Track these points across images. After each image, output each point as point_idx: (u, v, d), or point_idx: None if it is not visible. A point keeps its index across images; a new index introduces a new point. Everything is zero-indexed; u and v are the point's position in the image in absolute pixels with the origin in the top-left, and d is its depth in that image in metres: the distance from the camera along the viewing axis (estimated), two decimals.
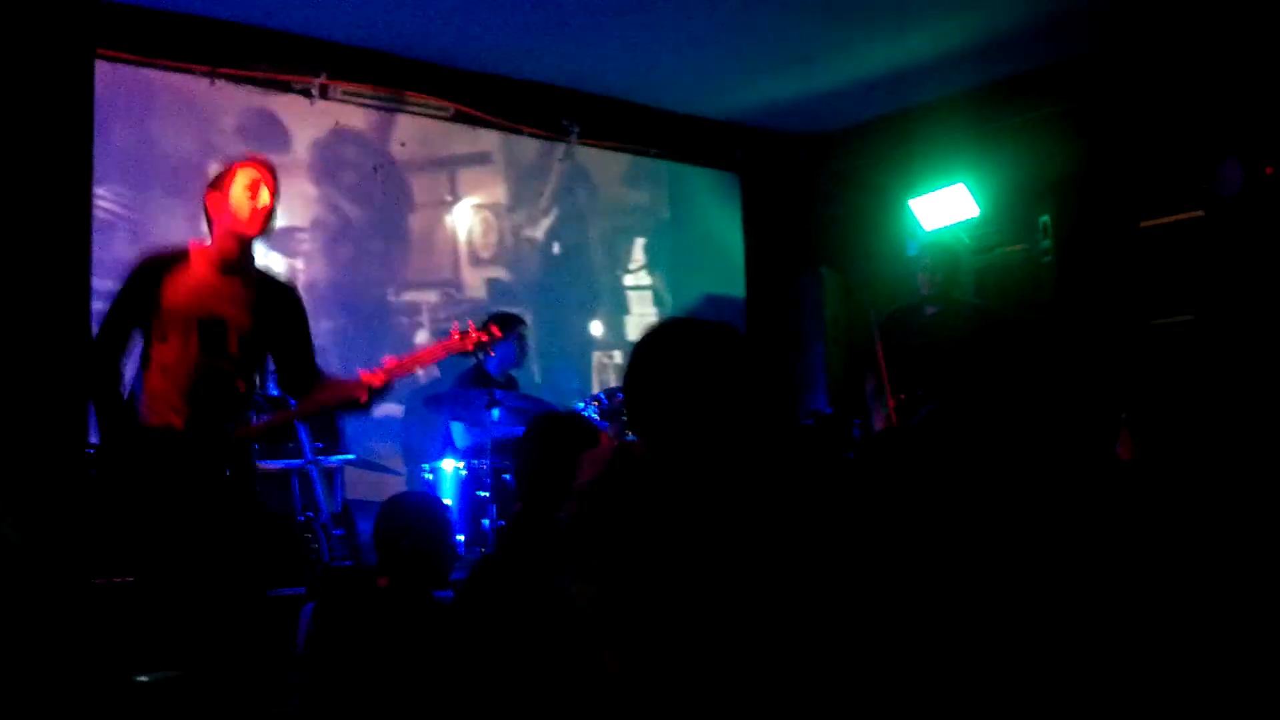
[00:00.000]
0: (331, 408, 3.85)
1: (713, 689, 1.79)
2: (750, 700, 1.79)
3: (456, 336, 4.03)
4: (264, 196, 3.76)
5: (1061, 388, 1.95)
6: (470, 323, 4.11)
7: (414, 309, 6.94)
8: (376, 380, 3.72)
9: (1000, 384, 2.01)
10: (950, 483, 1.96)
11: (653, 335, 2.07)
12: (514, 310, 6.80)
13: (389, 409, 6.72)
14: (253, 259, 3.83)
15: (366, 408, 3.76)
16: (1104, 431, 2.00)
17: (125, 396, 3.71)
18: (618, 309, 7.87)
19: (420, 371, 3.90)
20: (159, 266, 3.71)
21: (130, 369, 3.75)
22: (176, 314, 3.65)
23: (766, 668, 1.79)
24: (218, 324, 3.68)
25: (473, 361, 6.52)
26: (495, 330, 4.14)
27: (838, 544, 1.87)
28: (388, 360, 3.79)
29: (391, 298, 6.86)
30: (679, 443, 1.93)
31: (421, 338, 6.94)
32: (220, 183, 3.77)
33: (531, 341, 6.87)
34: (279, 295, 3.90)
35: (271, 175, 3.81)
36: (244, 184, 3.72)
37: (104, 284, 4.07)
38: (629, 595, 1.88)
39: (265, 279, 3.90)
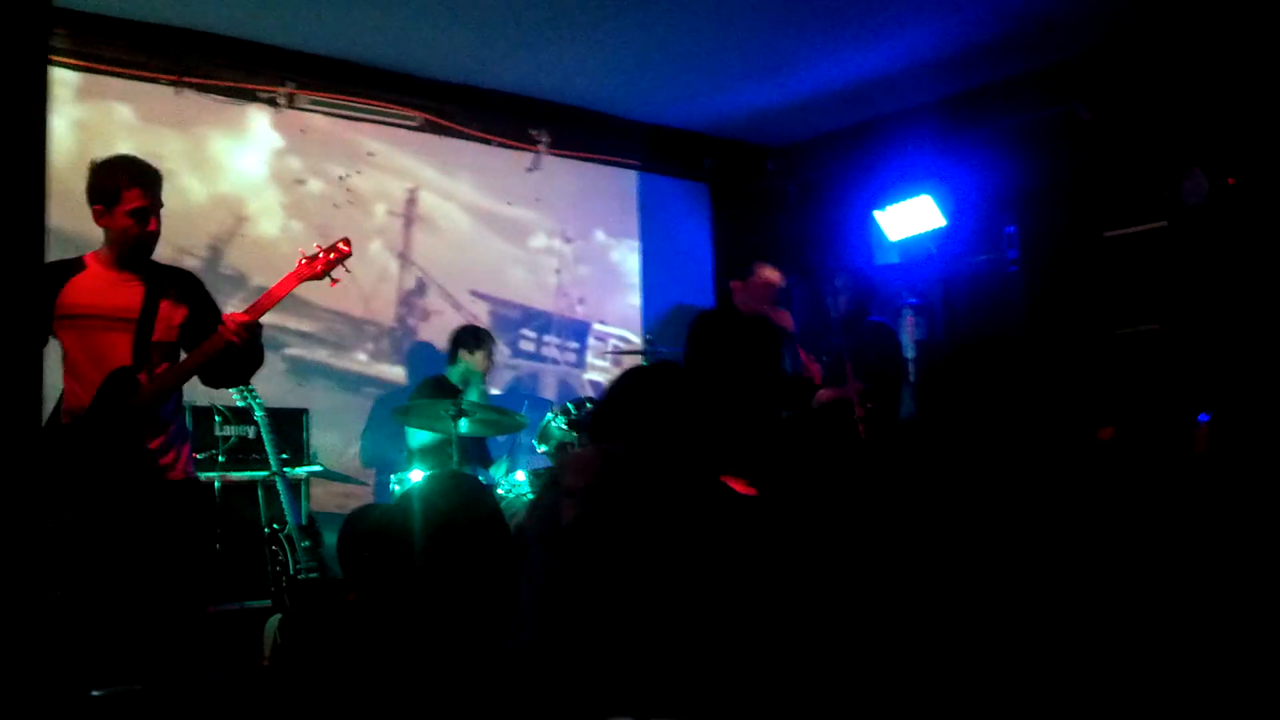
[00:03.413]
0: (211, 356, 3.84)
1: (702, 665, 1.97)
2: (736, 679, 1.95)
3: (304, 261, 4.05)
4: (152, 223, 3.84)
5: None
6: (317, 246, 4.11)
7: (380, 319, 6.91)
8: (238, 317, 3.81)
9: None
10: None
11: (637, 376, 2.66)
12: (480, 324, 6.83)
13: (355, 419, 6.71)
14: (148, 254, 3.92)
15: (243, 349, 3.82)
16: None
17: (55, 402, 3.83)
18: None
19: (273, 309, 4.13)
20: (55, 273, 3.80)
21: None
22: (78, 315, 3.78)
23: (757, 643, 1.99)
24: (116, 321, 3.80)
25: (437, 372, 6.52)
26: (343, 246, 4.10)
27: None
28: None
29: (358, 307, 6.82)
30: (661, 453, 2.30)
31: (385, 344, 6.92)
32: (109, 203, 3.81)
33: (500, 355, 6.88)
34: (178, 284, 3.97)
35: (158, 190, 3.87)
36: (129, 210, 3.80)
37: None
38: (629, 583, 2.08)
39: (162, 270, 3.96)
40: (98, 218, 3.84)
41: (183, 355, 3.97)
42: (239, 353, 3.86)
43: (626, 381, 2.69)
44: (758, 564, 2.07)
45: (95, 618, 3.52)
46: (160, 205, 3.88)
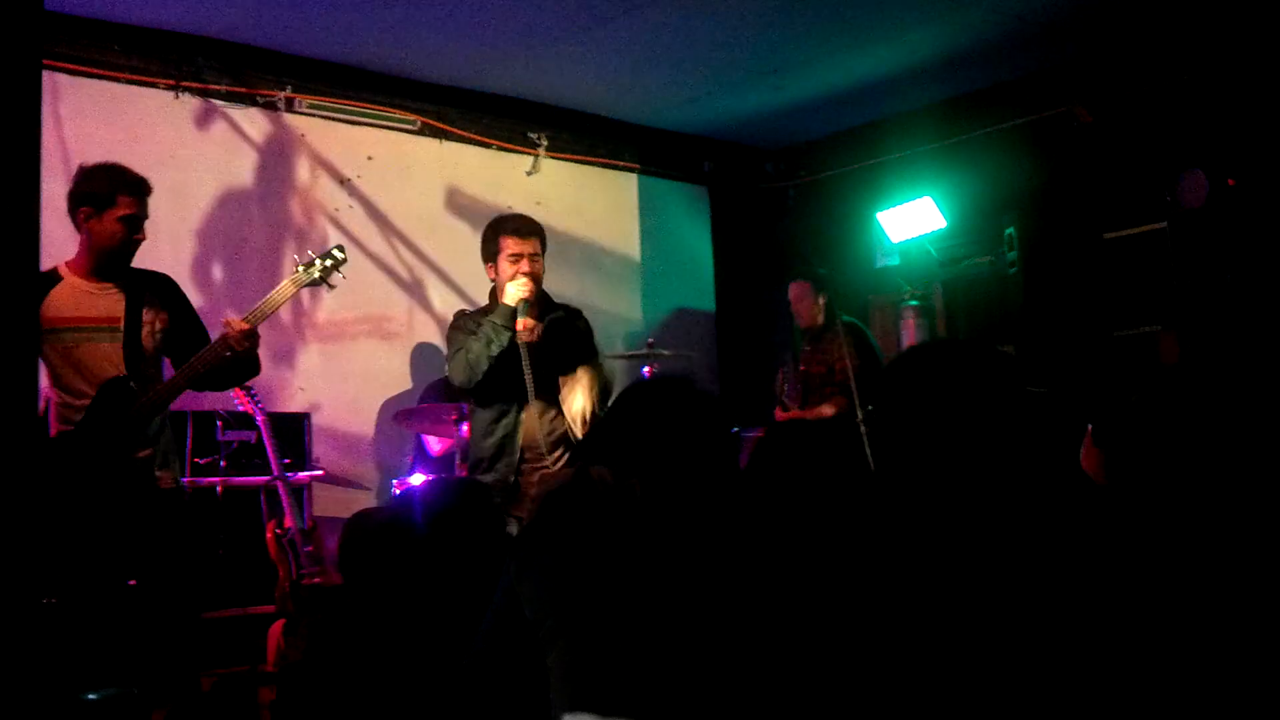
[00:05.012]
0: (211, 364, 3.81)
1: (649, 678, 1.94)
2: (684, 692, 1.93)
3: (301, 269, 4.04)
4: (143, 231, 3.84)
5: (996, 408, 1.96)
6: (311, 252, 4.14)
7: (381, 322, 6.90)
8: (238, 325, 3.79)
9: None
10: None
11: (639, 390, 2.50)
12: None
13: (360, 425, 6.69)
14: (128, 262, 3.89)
15: (243, 358, 3.84)
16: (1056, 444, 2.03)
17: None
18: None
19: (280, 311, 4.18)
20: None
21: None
22: (61, 328, 3.73)
23: (698, 658, 1.95)
24: (101, 331, 3.77)
25: (438, 376, 6.50)
26: (338, 253, 4.11)
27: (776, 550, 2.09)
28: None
29: (361, 311, 6.80)
30: (650, 474, 2.19)
31: (388, 348, 6.90)
32: (100, 206, 3.79)
33: None
34: (157, 289, 3.94)
35: (147, 200, 3.87)
36: (122, 216, 3.79)
37: None
38: (574, 594, 2.04)
39: (139, 275, 3.93)
40: (83, 221, 3.80)
41: (165, 361, 3.96)
42: (239, 362, 3.86)
43: (626, 399, 2.45)
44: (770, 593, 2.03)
45: (89, 624, 3.52)
46: (147, 215, 3.87)
